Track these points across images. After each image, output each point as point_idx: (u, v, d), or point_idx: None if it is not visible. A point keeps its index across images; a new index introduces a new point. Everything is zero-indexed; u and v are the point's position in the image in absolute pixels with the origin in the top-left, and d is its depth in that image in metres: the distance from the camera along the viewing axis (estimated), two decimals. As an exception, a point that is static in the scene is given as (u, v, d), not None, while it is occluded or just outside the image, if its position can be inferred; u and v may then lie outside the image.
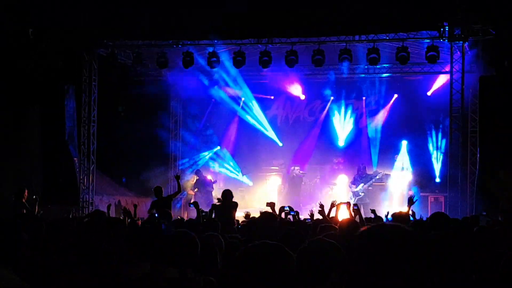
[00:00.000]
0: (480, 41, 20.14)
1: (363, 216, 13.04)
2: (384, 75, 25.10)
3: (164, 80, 25.60)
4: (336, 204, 12.46)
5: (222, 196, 14.36)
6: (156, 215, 14.27)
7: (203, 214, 13.26)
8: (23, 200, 16.43)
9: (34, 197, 16.75)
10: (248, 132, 27.11)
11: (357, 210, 12.38)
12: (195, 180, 24.52)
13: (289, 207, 14.14)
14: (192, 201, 22.15)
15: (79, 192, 21.70)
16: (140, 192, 24.39)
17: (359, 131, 26.36)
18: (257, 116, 27.07)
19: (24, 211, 16.07)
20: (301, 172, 24.93)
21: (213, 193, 23.59)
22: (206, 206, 18.41)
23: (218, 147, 27.34)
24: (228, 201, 14.12)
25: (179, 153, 27.77)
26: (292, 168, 24.94)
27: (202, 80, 25.59)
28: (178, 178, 18.65)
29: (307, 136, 26.85)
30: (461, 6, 18.79)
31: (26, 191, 16.68)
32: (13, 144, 20.72)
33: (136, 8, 20.60)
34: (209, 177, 24.72)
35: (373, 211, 14.65)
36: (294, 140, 26.75)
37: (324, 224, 9.34)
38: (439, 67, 22.95)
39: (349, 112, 26.47)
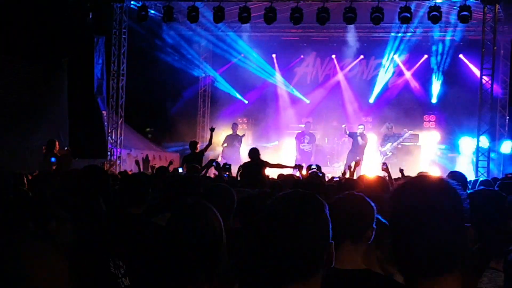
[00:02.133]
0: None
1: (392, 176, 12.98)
2: (416, 33, 24.82)
3: (192, 35, 25.72)
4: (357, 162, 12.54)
5: (249, 154, 14.31)
6: (181, 169, 14.39)
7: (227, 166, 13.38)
8: (55, 151, 16.55)
9: (66, 148, 16.90)
10: (274, 90, 27.20)
11: (386, 169, 12.38)
12: (225, 136, 24.36)
13: (316, 165, 14.17)
14: (220, 156, 22.26)
15: (107, 146, 21.80)
16: (168, 147, 24.54)
17: (388, 90, 26.26)
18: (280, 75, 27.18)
19: (54, 167, 16.15)
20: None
21: (240, 150, 23.55)
22: (233, 162, 18.46)
23: (246, 101, 27.42)
24: (255, 160, 14.07)
25: (207, 109, 27.91)
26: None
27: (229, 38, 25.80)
28: (212, 130, 18.68)
29: (337, 94, 26.81)
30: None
31: (57, 142, 16.80)
32: (44, 96, 20.85)
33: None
34: (238, 132, 24.58)
35: (401, 171, 14.60)
36: (324, 98, 26.75)
37: (346, 181, 9.33)
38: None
39: (379, 70, 26.36)
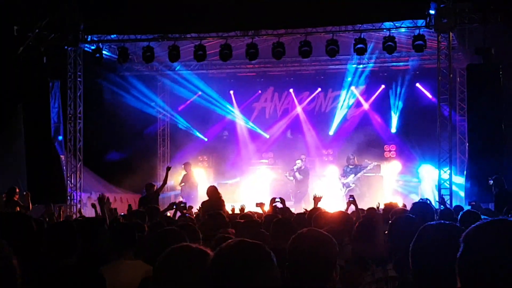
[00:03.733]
0: (467, 29, 20.09)
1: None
2: (370, 65, 24.99)
3: (149, 75, 25.73)
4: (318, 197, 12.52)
5: (207, 193, 14.14)
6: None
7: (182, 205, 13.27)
8: (15, 199, 16.32)
9: (25, 193, 16.65)
10: (232, 126, 27.19)
11: (353, 201, 12.32)
12: (182, 175, 24.30)
13: (280, 198, 14.04)
14: (179, 198, 22.13)
15: (67, 190, 21.49)
16: (129, 188, 24.28)
17: (348, 122, 26.35)
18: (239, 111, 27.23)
19: (18, 209, 15.96)
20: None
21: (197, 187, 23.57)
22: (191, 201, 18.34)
23: (206, 139, 27.34)
24: (215, 198, 13.89)
25: (167, 149, 27.79)
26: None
27: (186, 77, 25.88)
28: (168, 169, 18.59)
29: (296, 128, 26.88)
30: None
31: (17, 189, 16.58)
32: (0, 142, 20.56)
33: (121, 2, 20.43)
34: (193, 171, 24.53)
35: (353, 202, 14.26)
36: (283, 132, 26.82)
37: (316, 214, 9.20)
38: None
39: (337, 103, 26.47)
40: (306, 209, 13.71)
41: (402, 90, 25.42)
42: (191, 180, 23.85)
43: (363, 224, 6.62)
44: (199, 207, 13.96)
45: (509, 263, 2.11)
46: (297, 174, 23.57)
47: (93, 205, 13.27)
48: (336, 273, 3.65)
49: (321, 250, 3.66)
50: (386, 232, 5.95)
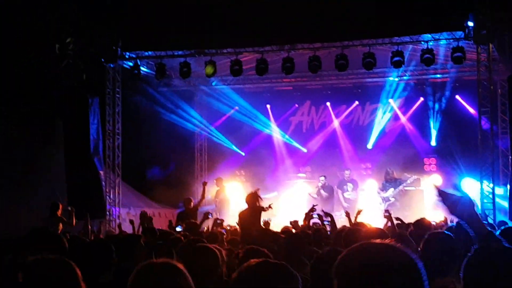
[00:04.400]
0: (507, 40, 19.80)
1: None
2: (407, 77, 24.80)
3: (186, 90, 25.84)
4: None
5: (246, 200, 14.00)
6: (179, 227, 14.20)
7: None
8: (58, 214, 16.42)
9: (69, 208, 16.76)
10: (270, 141, 27.16)
11: (388, 216, 12.20)
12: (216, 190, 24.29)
13: (318, 215, 13.91)
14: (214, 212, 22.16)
15: (106, 206, 21.61)
16: (167, 203, 24.35)
17: (386, 135, 26.14)
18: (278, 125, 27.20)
19: (61, 225, 16.06)
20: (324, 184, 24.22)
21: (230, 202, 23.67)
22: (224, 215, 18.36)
23: (243, 153, 27.35)
24: (252, 206, 13.74)
25: (204, 164, 27.85)
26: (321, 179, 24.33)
27: (223, 91, 25.96)
28: (205, 184, 18.57)
29: (334, 142, 26.75)
30: (485, 6, 18.45)
31: (60, 204, 16.69)
32: (40, 159, 20.75)
33: (158, 19, 20.59)
34: (225, 184, 24.56)
35: (398, 219, 14.28)
36: (321, 146, 26.71)
37: (347, 230, 9.11)
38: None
39: (375, 116, 26.28)
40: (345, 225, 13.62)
41: (441, 102, 25.18)
42: (222, 196, 23.85)
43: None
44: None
45: None
46: (322, 191, 23.49)
47: (131, 222, 13.31)
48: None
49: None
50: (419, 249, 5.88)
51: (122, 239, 7.79)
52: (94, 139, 21.55)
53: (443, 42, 20.18)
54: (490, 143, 19.11)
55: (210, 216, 13.17)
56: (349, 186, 23.41)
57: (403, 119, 26.00)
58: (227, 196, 24.12)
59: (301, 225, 13.33)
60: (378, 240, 2.51)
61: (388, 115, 26.19)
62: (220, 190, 24.02)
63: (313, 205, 14.06)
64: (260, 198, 13.93)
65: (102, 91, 22.15)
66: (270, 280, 2.56)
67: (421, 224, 10.57)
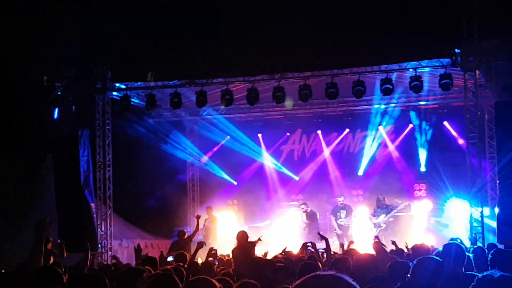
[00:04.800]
0: (493, 66, 19.99)
1: (387, 248, 12.90)
2: (396, 104, 24.96)
3: (177, 120, 25.90)
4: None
5: (237, 238, 14.12)
6: (171, 257, 14.23)
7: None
8: (49, 247, 16.34)
9: (59, 241, 16.69)
10: (262, 169, 27.19)
11: (378, 243, 12.30)
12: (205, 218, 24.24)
13: (311, 243, 14.02)
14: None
15: (98, 238, 21.53)
16: (160, 234, 24.31)
17: (376, 162, 26.26)
18: (270, 153, 27.25)
19: (52, 258, 15.99)
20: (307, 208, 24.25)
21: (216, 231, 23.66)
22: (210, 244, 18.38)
23: (236, 182, 27.35)
24: (244, 243, 13.87)
25: (197, 193, 27.82)
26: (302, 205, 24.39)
27: (215, 121, 26.02)
28: (198, 218, 18.63)
29: (325, 169, 26.82)
30: (472, 34, 18.64)
31: (50, 238, 16.61)
32: (30, 192, 20.69)
33: (147, 50, 20.68)
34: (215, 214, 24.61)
35: (394, 243, 14.47)
36: (312, 174, 26.77)
37: (338, 256, 9.21)
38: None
39: (366, 142, 26.38)
40: (335, 252, 13.67)
41: (429, 128, 25.36)
42: (210, 224, 23.83)
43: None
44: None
45: None
46: (303, 216, 23.58)
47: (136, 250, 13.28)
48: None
49: None
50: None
51: (126, 271, 7.80)
52: (84, 171, 21.50)
53: (430, 69, 20.36)
54: (478, 169, 19.21)
55: (204, 245, 13.18)
56: (343, 212, 23.41)
57: (392, 146, 26.12)
58: (214, 225, 24.10)
59: (297, 254, 13.42)
60: (326, 272, 2.64)
61: (377, 142, 26.30)
62: (210, 219, 23.98)
63: (305, 243, 14.20)
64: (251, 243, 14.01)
65: (92, 123, 22.12)
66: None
67: (419, 248, 10.73)
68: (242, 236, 14.08)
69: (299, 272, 7.38)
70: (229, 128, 26.74)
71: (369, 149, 26.37)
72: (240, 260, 12.76)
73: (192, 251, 13.33)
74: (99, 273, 6.84)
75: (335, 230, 23.28)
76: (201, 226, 21.67)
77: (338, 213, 23.53)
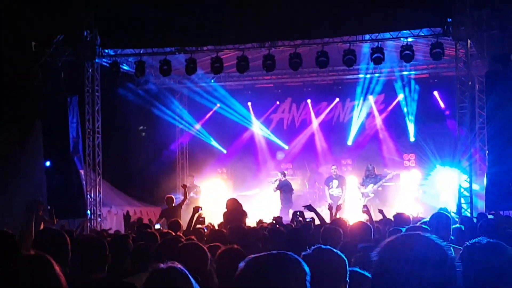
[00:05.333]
0: (485, 36, 19.96)
1: (373, 218, 12.99)
2: (387, 73, 24.91)
3: (167, 88, 25.76)
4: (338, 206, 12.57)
5: (227, 205, 14.04)
6: (158, 224, 14.25)
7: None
8: (40, 213, 16.29)
9: (49, 207, 16.67)
10: (251, 138, 27.17)
11: (367, 211, 12.40)
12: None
13: (300, 212, 14.05)
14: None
15: (87, 205, 21.51)
16: (149, 201, 24.32)
17: (366, 131, 26.29)
18: (262, 120, 27.20)
19: (43, 223, 15.98)
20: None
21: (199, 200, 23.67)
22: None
23: (225, 151, 27.34)
24: (234, 209, 13.80)
25: (186, 161, 27.81)
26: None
27: (204, 89, 25.90)
28: (185, 187, 18.61)
29: (315, 139, 26.84)
30: (464, 3, 18.59)
31: (40, 204, 16.56)
32: (20, 159, 20.61)
33: (137, 16, 20.51)
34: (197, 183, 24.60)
35: (381, 212, 14.53)
36: (302, 143, 26.79)
37: (328, 226, 9.23)
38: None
39: (355, 112, 26.39)
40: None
41: (419, 98, 25.34)
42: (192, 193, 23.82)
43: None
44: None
45: None
46: (274, 186, 23.54)
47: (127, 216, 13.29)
48: (345, 286, 3.72)
49: (329, 269, 3.74)
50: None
51: (115, 238, 7.81)
52: (73, 138, 21.41)
53: (422, 38, 20.33)
54: (468, 138, 19.25)
55: (200, 210, 13.09)
56: (335, 182, 23.43)
57: (382, 116, 26.14)
58: (198, 195, 24.06)
59: (287, 223, 13.47)
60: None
61: (367, 112, 26.32)
62: (191, 189, 23.85)
63: (295, 212, 14.21)
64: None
65: (81, 90, 21.99)
66: (279, 272, 2.60)
67: (400, 217, 10.83)
68: (232, 203, 14.00)
69: (287, 239, 7.36)
70: (219, 97, 26.65)
71: (358, 119, 26.38)
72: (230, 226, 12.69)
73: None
74: (98, 238, 6.82)
75: (327, 200, 23.35)
76: (192, 195, 21.75)
77: (330, 183, 23.57)
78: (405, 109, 25.59)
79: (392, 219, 13.12)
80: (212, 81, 25.60)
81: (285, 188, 23.38)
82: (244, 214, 13.76)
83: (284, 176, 23.75)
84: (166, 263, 3.11)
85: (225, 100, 26.70)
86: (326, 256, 3.79)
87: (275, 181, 23.54)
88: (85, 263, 5.57)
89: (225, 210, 13.80)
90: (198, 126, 27.47)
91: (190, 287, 3.08)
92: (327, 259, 3.76)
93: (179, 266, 3.04)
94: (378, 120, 26.18)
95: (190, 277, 3.11)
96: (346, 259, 3.86)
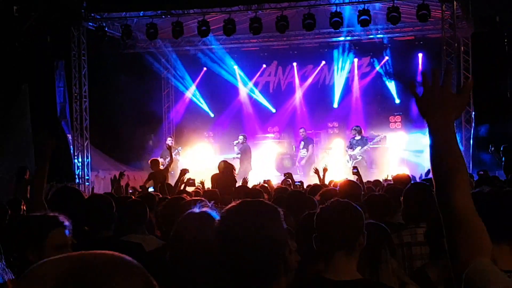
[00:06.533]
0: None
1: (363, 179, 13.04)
2: (374, 36, 24.89)
3: (153, 51, 25.62)
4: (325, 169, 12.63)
5: (219, 167, 14.04)
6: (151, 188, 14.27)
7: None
8: (26, 177, 16.28)
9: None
10: (238, 101, 27.19)
11: (357, 173, 12.46)
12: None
13: (289, 173, 14.15)
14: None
15: (74, 169, 21.53)
16: (136, 166, 24.32)
17: (352, 94, 26.31)
18: (248, 84, 27.17)
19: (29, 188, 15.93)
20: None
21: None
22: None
23: (212, 114, 27.32)
24: (226, 171, 13.80)
25: (172, 124, 27.77)
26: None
27: (191, 51, 25.78)
28: (170, 148, 18.57)
29: (301, 101, 26.86)
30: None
31: (27, 170, 16.55)
32: (6, 123, 20.53)
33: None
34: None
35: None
36: (288, 106, 26.81)
37: (325, 189, 9.31)
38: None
39: (342, 75, 26.39)
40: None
41: (405, 60, 25.35)
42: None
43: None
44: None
45: None
46: (235, 148, 23.58)
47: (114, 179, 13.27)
48: (363, 238, 3.77)
49: (348, 218, 3.79)
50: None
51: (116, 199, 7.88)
52: (60, 102, 21.41)
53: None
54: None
55: (187, 172, 13.06)
56: (301, 144, 23.73)
57: (367, 78, 26.17)
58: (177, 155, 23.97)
59: (276, 186, 13.49)
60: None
61: (353, 75, 26.35)
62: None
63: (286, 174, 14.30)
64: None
65: (67, 54, 21.90)
66: (250, 215, 2.69)
67: (398, 179, 10.93)
68: (224, 166, 13.96)
69: (288, 201, 7.40)
70: (205, 61, 26.57)
71: (344, 81, 26.39)
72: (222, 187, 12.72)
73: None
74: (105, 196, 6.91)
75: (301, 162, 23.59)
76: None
77: (300, 145, 23.81)
78: (392, 71, 25.60)
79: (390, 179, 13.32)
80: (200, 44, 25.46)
81: (247, 151, 23.45)
82: (233, 180, 13.73)
83: (245, 140, 23.71)
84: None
85: (212, 64, 26.62)
86: (344, 207, 3.88)
87: (236, 143, 23.58)
88: (97, 221, 5.66)
89: (217, 172, 13.82)
90: (190, 91, 27.29)
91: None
92: (346, 210, 3.84)
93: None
94: (364, 83, 26.22)
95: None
96: (362, 211, 3.95)
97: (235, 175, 13.92)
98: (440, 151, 2.65)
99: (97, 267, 1.46)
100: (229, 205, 2.75)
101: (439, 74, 2.65)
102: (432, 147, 2.66)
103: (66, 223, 3.82)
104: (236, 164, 22.76)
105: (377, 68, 26.03)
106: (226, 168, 13.78)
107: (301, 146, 23.75)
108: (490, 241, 2.47)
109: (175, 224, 3.45)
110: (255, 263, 2.56)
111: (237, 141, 23.62)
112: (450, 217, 2.52)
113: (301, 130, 24.04)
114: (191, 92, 27.31)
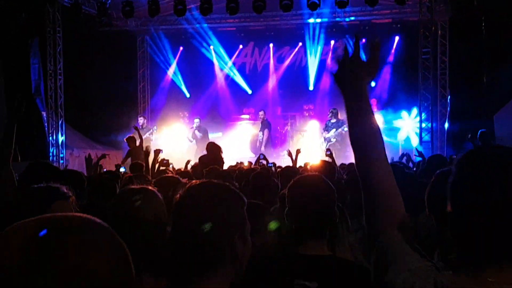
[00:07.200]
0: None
1: (336, 162, 13.05)
2: (352, 18, 24.87)
3: (130, 30, 25.42)
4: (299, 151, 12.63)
5: (207, 148, 13.99)
6: (123, 168, 14.19)
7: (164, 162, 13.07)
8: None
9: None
10: (214, 82, 27.11)
11: (330, 155, 12.48)
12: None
13: (263, 155, 14.15)
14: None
15: (49, 147, 21.39)
16: (110, 144, 24.20)
17: (327, 75, 26.30)
18: (224, 65, 27.08)
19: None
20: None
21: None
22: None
23: (188, 94, 27.24)
24: (215, 154, 13.75)
25: (147, 103, 27.65)
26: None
27: (168, 30, 25.67)
28: (137, 129, 18.50)
29: (277, 83, 26.83)
30: None
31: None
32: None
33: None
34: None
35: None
36: (264, 88, 26.77)
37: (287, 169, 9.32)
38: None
39: (318, 57, 26.38)
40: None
41: (382, 43, 25.36)
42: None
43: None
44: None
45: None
46: (196, 132, 23.52)
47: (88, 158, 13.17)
48: (336, 215, 3.77)
49: (322, 193, 3.78)
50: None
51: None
52: (35, 79, 21.22)
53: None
54: (430, 84, 19.44)
55: (161, 152, 12.99)
56: (260, 127, 23.86)
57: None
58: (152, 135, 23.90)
59: (246, 166, 13.51)
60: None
61: (328, 56, 26.34)
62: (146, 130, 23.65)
63: (259, 155, 14.34)
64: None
65: (42, 31, 21.69)
66: (203, 198, 2.67)
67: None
68: (214, 148, 13.89)
69: (251, 181, 7.39)
70: (182, 40, 26.45)
71: (320, 63, 26.37)
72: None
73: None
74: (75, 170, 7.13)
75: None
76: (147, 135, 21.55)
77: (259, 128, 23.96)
78: (367, 53, 25.57)
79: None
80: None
81: (205, 133, 23.52)
82: (221, 161, 13.69)
83: (199, 122, 23.75)
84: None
85: (188, 44, 26.51)
86: (317, 180, 3.87)
87: (195, 127, 23.55)
88: (102, 192, 6.04)
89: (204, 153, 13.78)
90: (169, 72, 27.17)
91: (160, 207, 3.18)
92: (319, 183, 3.83)
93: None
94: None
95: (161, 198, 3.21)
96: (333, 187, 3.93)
97: (221, 158, 13.87)
98: (356, 120, 2.70)
99: (65, 227, 1.51)
100: (189, 184, 2.73)
101: (378, 47, 2.71)
102: (349, 117, 2.69)
103: (69, 194, 3.79)
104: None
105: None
106: (214, 149, 13.73)
107: (257, 130, 23.79)
108: (404, 215, 2.49)
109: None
110: (200, 245, 2.55)
111: (195, 125, 23.55)
112: (368, 187, 2.55)
113: (261, 113, 24.05)
114: (170, 72, 27.18)
